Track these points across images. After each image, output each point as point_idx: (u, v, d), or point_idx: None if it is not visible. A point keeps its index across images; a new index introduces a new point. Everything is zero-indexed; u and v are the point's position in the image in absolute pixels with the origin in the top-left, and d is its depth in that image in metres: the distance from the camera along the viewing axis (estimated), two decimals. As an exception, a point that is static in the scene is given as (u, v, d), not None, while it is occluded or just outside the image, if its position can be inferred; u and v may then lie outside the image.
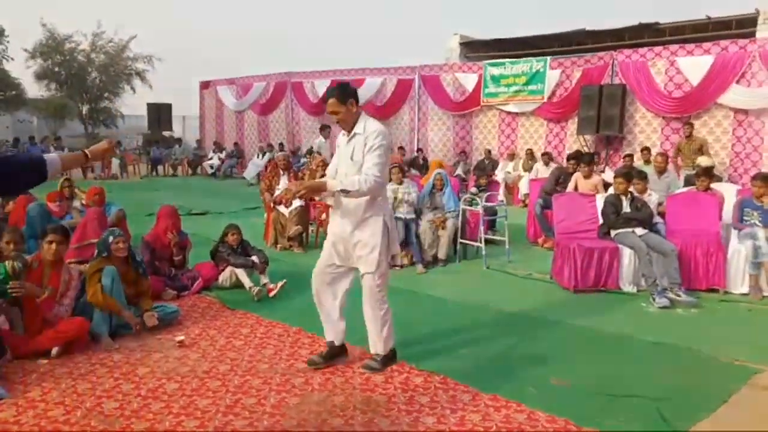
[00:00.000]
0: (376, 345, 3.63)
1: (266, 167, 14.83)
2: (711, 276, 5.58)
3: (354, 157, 3.41)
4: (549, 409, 3.11)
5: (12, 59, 24.99)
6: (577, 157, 8.44)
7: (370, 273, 3.47)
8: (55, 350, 3.72)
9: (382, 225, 3.47)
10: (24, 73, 25.71)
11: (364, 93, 16.51)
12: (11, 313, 3.78)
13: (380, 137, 3.36)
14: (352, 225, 3.48)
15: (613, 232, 5.74)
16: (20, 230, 4.95)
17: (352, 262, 3.57)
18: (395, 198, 6.55)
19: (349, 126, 3.46)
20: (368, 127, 3.41)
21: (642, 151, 10.26)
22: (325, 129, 11.90)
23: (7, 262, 3.78)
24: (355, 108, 3.45)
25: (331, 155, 10.52)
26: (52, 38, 25.16)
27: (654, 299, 5.16)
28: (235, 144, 19.33)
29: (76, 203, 6.47)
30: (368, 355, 3.75)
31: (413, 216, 6.63)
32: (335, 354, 3.73)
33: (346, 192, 3.28)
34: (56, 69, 25.54)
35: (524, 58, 14.13)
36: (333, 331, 3.73)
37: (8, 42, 25.02)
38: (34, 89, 26.10)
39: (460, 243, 6.84)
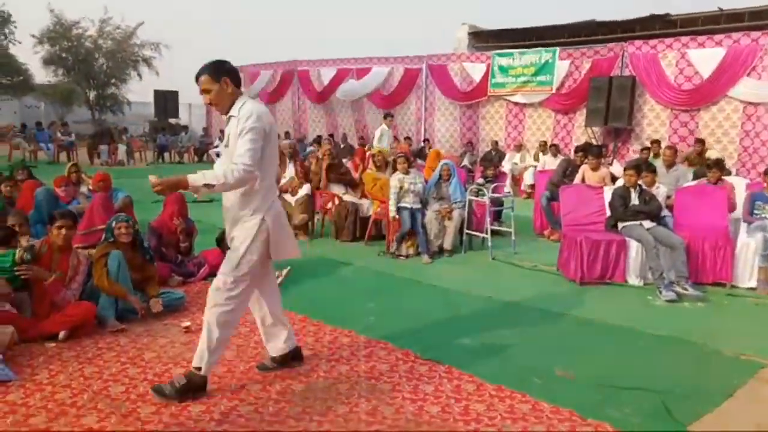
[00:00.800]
0: (200, 357, 3.04)
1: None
2: (718, 270, 5.55)
3: (229, 144, 2.98)
4: (554, 400, 3.11)
5: (20, 43, 25.01)
6: (585, 149, 8.38)
7: (223, 273, 3.00)
8: (62, 334, 3.74)
9: (258, 225, 2.98)
10: (31, 58, 25.83)
11: (370, 82, 16.47)
12: (19, 297, 3.80)
13: (252, 118, 2.88)
14: (230, 223, 3.09)
15: (620, 225, 5.71)
16: (25, 214, 4.99)
17: None
18: (401, 188, 6.53)
19: (224, 108, 3.01)
20: (243, 108, 2.95)
21: (651, 143, 10.20)
22: (387, 117, 11.64)
23: (18, 250, 3.80)
24: (231, 87, 2.98)
25: (391, 145, 10.32)
26: (59, 24, 25.15)
27: (661, 292, 5.14)
28: (242, 132, 19.31)
29: (83, 189, 6.49)
30: (371, 345, 3.74)
31: (419, 206, 6.62)
32: (288, 358, 3.41)
33: (209, 186, 2.81)
34: (63, 55, 25.56)
35: (533, 49, 14.03)
36: (273, 343, 3.37)
37: (15, 27, 25.05)
38: (41, 75, 26.15)
39: (466, 234, 6.83)
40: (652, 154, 9.75)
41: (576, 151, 8.49)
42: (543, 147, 12.60)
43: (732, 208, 6.12)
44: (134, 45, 26.28)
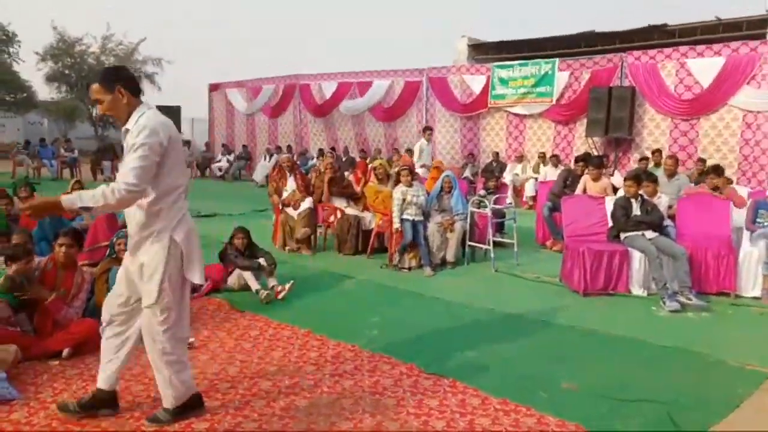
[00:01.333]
0: (165, 397, 2.93)
1: (274, 169, 14.94)
2: (722, 279, 5.54)
3: (125, 159, 2.71)
4: (559, 413, 3.10)
5: (23, 61, 25.25)
6: (585, 159, 8.40)
7: (149, 306, 2.77)
8: (66, 351, 3.74)
9: (167, 245, 2.74)
10: (34, 75, 26.04)
11: (372, 95, 16.56)
12: (19, 317, 3.80)
13: (144, 133, 2.62)
14: (134, 248, 2.83)
15: (622, 235, 5.71)
16: (29, 232, 5.00)
17: (138, 292, 2.86)
18: (404, 200, 6.55)
19: (122, 119, 2.75)
20: (139, 121, 2.69)
21: (653, 153, 10.20)
22: (427, 131, 10.96)
23: (5, 273, 3.78)
24: (127, 97, 2.72)
25: (432, 158, 10.09)
26: (62, 41, 25.40)
27: (664, 303, 5.13)
28: (244, 146, 19.42)
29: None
30: (375, 360, 3.73)
31: (421, 218, 6.62)
32: (101, 401, 2.99)
33: (87, 209, 2.60)
34: (66, 71, 25.79)
35: (532, 60, 14.10)
36: (104, 375, 2.99)
37: (19, 45, 25.29)
38: (44, 92, 26.36)
39: (469, 246, 6.83)
40: (653, 163, 9.77)
41: (576, 161, 8.51)
42: (543, 158, 12.63)
43: (741, 203, 6.13)
44: (136, 61, 26.49)
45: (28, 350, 3.65)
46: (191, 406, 2.98)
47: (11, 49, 25.58)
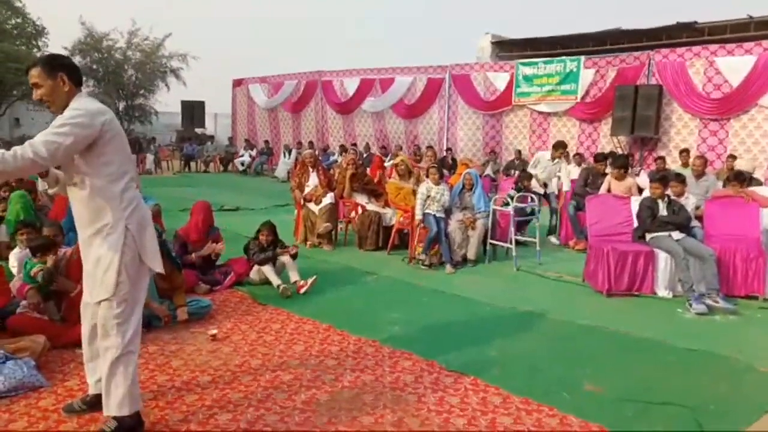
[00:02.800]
0: (108, 404, 2.69)
1: (295, 165, 15.03)
2: (750, 282, 5.41)
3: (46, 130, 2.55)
4: (582, 414, 3.06)
5: (53, 55, 25.69)
6: (606, 156, 8.30)
7: (105, 299, 2.63)
8: (92, 340, 3.80)
9: (122, 235, 2.62)
10: (63, 70, 26.48)
11: (394, 92, 16.55)
12: (47, 306, 3.88)
13: (75, 112, 2.51)
14: (86, 243, 2.70)
15: (648, 236, 5.62)
16: (59, 223, 5.09)
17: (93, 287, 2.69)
18: (428, 196, 6.52)
19: (58, 108, 2.61)
20: (72, 104, 2.58)
21: (680, 153, 10.01)
22: (559, 148, 8.82)
23: (36, 265, 3.86)
24: (68, 85, 2.60)
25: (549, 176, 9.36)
26: (90, 36, 25.82)
27: (691, 305, 5.03)
28: (266, 142, 19.56)
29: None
30: (396, 356, 3.73)
31: (443, 215, 6.60)
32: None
33: None
34: (94, 66, 26.20)
35: (557, 58, 13.95)
36: (93, 377, 2.95)
37: (49, 40, 25.80)
38: (73, 86, 26.80)
39: (490, 244, 6.78)
40: (681, 163, 9.59)
41: (596, 159, 8.41)
42: (566, 156, 12.46)
43: (765, 203, 6.00)
44: (162, 56, 26.82)
45: (56, 339, 3.72)
46: (132, 427, 2.72)
47: (40, 44, 26.12)
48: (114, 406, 2.67)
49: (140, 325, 2.80)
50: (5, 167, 2.36)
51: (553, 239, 7.89)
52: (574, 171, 11.24)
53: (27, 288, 3.76)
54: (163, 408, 3.04)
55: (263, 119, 20.46)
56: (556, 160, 8.52)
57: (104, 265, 2.63)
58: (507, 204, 6.84)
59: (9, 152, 2.38)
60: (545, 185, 8.20)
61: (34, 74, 2.60)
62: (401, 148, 15.54)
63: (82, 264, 2.77)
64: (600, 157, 8.60)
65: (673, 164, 10.26)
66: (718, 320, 4.87)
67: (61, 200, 6.08)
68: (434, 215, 6.47)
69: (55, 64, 2.62)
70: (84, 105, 2.57)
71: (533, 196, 7.33)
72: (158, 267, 2.79)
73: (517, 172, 9.95)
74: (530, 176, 7.70)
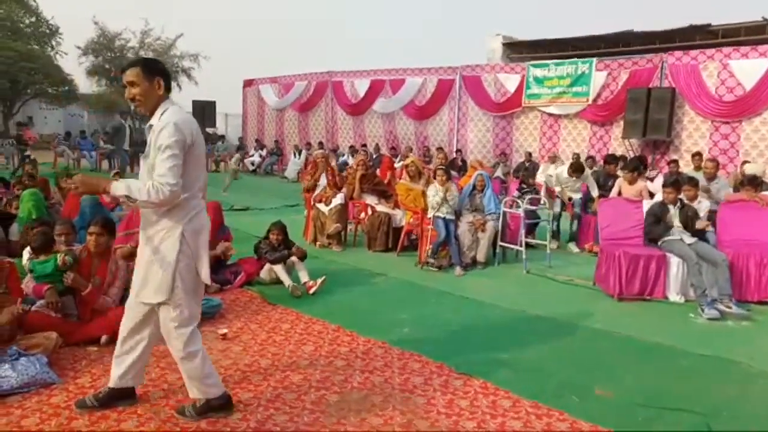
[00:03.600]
0: (192, 389, 2.94)
1: (305, 165, 15.06)
2: (764, 288, 5.36)
3: (149, 154, 2.71)
4: (592, 419, 3.04)
5: (66, 54, 25.99)
6: (617, 159, 8.23)
7: (164, 303, 2.76)
8: (104, 338, 3.83)
9: (179, 241, 2.71)
10: (76, 69, 26.79)
11: (404, 93, 16.55)
12: (65, 301, 3.91)
13: (167, 131, 2.61)
14: (144, 241, 2.81)
15: (660, 240, 5.57)
16: (71, 222, 5.13)
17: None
18: (443, 199, 6.49)
19: (148, 109, 2.76)
20: (163, 117, 2.69)
21: (693, 156, 9.93)
22: (577, 171, 7.98)
23: (58, 255, 3.92)
24: (162, 90, 2.75)
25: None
26: (103, 36, 26.03)
27: (703, 310, 4.99)
28: (276, 142, 19.62)
29: (125, 196, 6.66)
30: (405, 357, 3.73)
31: (453, 217, 6.58)
32: (118, 396, 3.01)
33: (131, 199, 2.58)
34: (107, 66, 26.42)
35: (569, 60, 13.89)
36: (117, 370, 3.00)
37: (62, 39, 26.04)
38: (85, 85, 27.08)
39: (500, 246, 6.76)
40: (693, 167, 9.51)
41: (606, 162, 8.36)
42: (577, 159, 12.40)
43: None
44: (174, 56, 27.00)
45: (68, 336, 3.75)
46: (218, 407, 2.94)
47: (54, 43, 26.37)
48: (196, 392, 2.92)
49: (196, 330, 2.88)
50: (149, 199, 2.56)
51: (572, 246, 7.72)
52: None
53: (46, 287, 3.79)
54: (174, 406, 3.05)
55: (271, 119, 20.52)
56: (574, 178, 7.99)
57: (159, 269, 2.73)
58: (518, 206, 6.81)
59: (151, 187, 2.56)
60: (570, 199, 7.92)
61: (132, 73, 2.71)
62: (411, 150, 15.53)
63: (136, 261, 2.87)
64: (611, 159, 8.55)
65: (685, 167, 10.18)
66: (730, 326, 4.82)
67: (72, 198, 6.13)
68: (444, 218, 6.46)
69: (154, 68, 2.76)
70: (169, 119, 2.66)
71: (543, 198, 7.30)
72: (206, 276, 2.83)
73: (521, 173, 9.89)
74: (534, 174, 7.64)
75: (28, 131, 16.56)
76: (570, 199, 7.83)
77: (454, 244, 6.41)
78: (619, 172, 8.07)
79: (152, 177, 2.62)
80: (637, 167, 7.62)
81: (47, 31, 26.30)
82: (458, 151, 15.18)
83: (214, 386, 2.94)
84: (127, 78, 2.73)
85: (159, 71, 2.76)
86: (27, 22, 26.15)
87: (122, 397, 3.02)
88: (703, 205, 6.04)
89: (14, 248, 5.51)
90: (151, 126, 2.72)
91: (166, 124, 2.64)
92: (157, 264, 2.73)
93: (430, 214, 6.53)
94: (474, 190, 6.84)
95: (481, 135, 15.42)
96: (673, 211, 5.60)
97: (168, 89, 2.79)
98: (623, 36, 15.36)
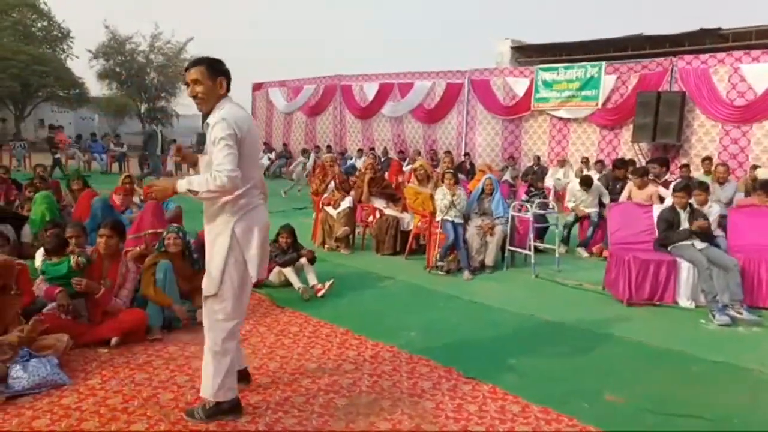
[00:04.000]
0: (206, 387, 2.94)
1: (314, 169, 15.07)
2: (776, 294, 5.31)
3: (207, 150, 2.83)
4: (603, 425, 3.03)
5: (77, 58, 26.22)
6: (625, 163, 8.17)
7: (209, 296, 2.86)
8: (114, 340, 3.86)
9: (229, 237, 2.80)
10: (87, 72, 27.07)
11: (413, 97, 16.56)
12: (76, 303, 3.94)
13: (219, 126, 2.71)
14: (206, 235, 2.94)
15: (670, 245, 5.54)
16: (83, 224, 5.18)
17: None
18: (451, 203, 6.48)
19: (208, 107, 2.85)
20: (218, 114, 2.78)
21: (703, 161, 9.86)
22: (583, 185, 7.84)
23: (72, 257, 3.95)
24: (224, 90, 2.86)
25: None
26: (114, 39, 26.24)
27: (714, 316, 4.95)
28: (284, 145, 19.68)
29: (135, 198, 6.72)
30: (413, 361, 3.72)
31: (461, 221, 6.57)
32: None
33: (193, 193, 2.68)
34: (117, 69, 26.63)
35: (578, 63, 13.85)
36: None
37: (73, 42, 26.27)
38: (96, 88, 27.31)
39: (508, 250, 6.74)
40: (702, 171, 9.45)
41: (614, 166, 8.31)
42: (586, 163, 12.36)
43: None
44: (184, 60, 27.15)
45: (79, 337, 3.78)
46: (228, 410, 2.96)
47: (65, 46, 26.63)
48: (210, 390, 2.91)
49: (238, 327, 2.96)
50: (209, 188, 2.65)
51: (581, 251, 7.64)
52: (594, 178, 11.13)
53: (57, 290, 3.82)
54: (183, 409, 3.06)
55: (279, 123, 20.59)
56: (587, 192, 7.74)
57: (212, 262, 2.84)
58: (527, 210, 6.78)
59: (209, 176, 2.65)
60: (588, 216, 7.77)
61: (197, 72, 2.81)
62: (419, 153, 15.53)
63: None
64: (619, 164, 8.51)
65: (695, 172, 10.10)
66: (741, 332, 4.77)
67: (84, 201, 6.19)
68: (452, 221, 6.45)
69: (218, 68, 2.85)
70: (223, 114, 2.75)
71: (551, 203, 7.27)
72: (254, 273, 2.89)
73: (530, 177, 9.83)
74: (542, 177, 7.59)
75: (60, 134, 16.82)
76: (588, 216, 7.68)
77: (463, 247, 6.40)
78: (629, 176, 8.03)
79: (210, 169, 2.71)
80: (646, 173, 7.57)
81: (59, 34, 26.58)
82: (466, 154, 15.14)
83: (230, 390, 2.95)
84: (190, 76, 2.81)
85: (222, 71, 2.85)
86: (39, 25, 26.44)
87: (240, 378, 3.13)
88: (713, 210, 6.00)
89: (26, 250, 5.57)
90: (208, 123, 2.80)
91: (219, 120, 2.73)
92: (212, 259, 2.84)
93: (439, 217, 6.52)
94: (482, 194, 6.83)
95: (490, 139, 15.39)
96: (684, 216, 5.57)
97: (228, 89, 2.88)
98: (633, 40, 15.30)
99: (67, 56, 26.55)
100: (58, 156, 15.43)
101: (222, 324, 2.87)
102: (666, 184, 7.61)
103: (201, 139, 21.75)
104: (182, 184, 2.72)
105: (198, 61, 2.85)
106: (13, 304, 3.44)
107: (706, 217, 5.58)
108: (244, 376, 3.27)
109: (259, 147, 2.72)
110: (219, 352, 2.88)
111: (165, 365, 3.61)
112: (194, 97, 2.84)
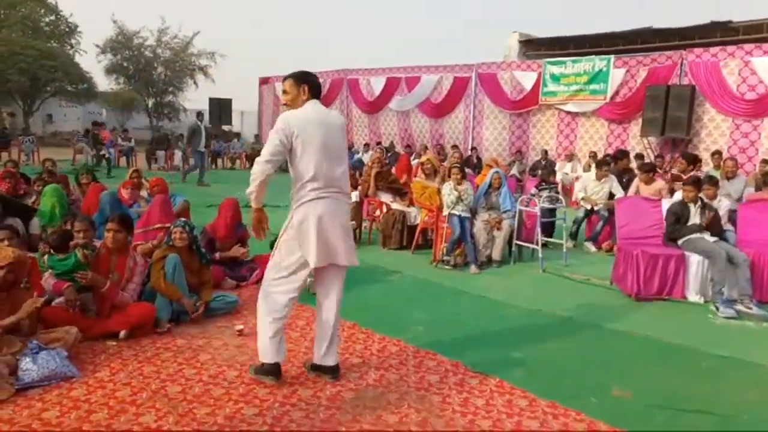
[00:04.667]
0: (258, 347, 3.37)
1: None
2: (786, 289, 5.27)
3: None
4: (611, 420, 3.01)
5: (85, 53, 26.33)
6: (626, 155, 8.13)
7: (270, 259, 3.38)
8: (122, 333, 3.88)
9: (289, 220, 3.27)
10: (94, 67, 27.21)
11: (420, 90, 16.51)
12: (83, 297, 3.96)
13: (277, 123, 3.19)
14: None
15: (680, 240, 5.50)
16: (91, 218, 5.19)
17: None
18: (459, 197, 6.45)
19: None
20: (283, 116, 3.25)
21: (713, 155, 9.79)
22: (602, 166, 7.94)
23: (77, 250, 3.97)
24: (306, 96, 3.26)
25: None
26: (121, 34, 26.29)
27: (718, 309, 4.93)
28: (291, 139, 19.69)
29: (143, 192, 6.74)
30: (420, 355, 3.72)
31: (468, 215, 6.55)
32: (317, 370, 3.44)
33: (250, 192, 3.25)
34: (125, 64, 26.69)
35: (586, 57, 13.76)
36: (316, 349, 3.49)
37: (81, 37, 26.35)
38: (104, 83, 27.40)
39: (516, 244, 6.72)
40: (712, 165, 9.38)
41: (615, 158, 8.27)
42: (594, 157, 12.28)
43: None
44: (191, 54, 27.20)
45: (87, 331, 3.79)
46: (267, 371, 3.31)
47: (73, 41, 26.72)
48: (259, 351, 3.33)
49: (282, 299, 3.28)
50: (251, 178, 3.17)
51: (589, 245, 7.59)
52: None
53: (65, 285, 3.84)
54: (191, 401, 3.08)
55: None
56: (603, 180, 7.69)
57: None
58: (535, 204, 6.75)
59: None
60: (597, 211, 7.73)
61: (288, 82, 3.31)
62: (426, 147, 15.50)
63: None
64: (620, 155, 8.48)
65: (705, 166, 10.02)
66: (751, 327, 4.74)
67: (92, 194, 6.21)
68: (459, 216, 6.43)
69: (302, 79, 3.29)
70: (290, 113, 3.22)
71: (560, 197, 7.24)
72: (312, 260, 3.21)
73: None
74: (553, 171, 7.56)
75: (104, 131, 17.04)
76: (597, 211, 7.59)
77: (470, 242, 6.38)
78: (636, 171, 7.99)
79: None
80: (653, 168, 7.53)
81: (66, 29, 26.68)
82: (473, 148, 15.11)
83: (268, 354, 3.29)
84: (284, 87, 3.33)
85: (306, 81, 3.28)
86: (47, 20, 26.54)
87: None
88: (723, 204, 5.96)
89: (35, 241, 5.58)
90: None
91: (279, 119, 3.19)
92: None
93: (445, 212, 6.51)
94: (490, 188, 6.81)
95: (497, 133, 15.34)
96: (694, 210, 5.53)
97: (314, 95, 3.29)
98: (642, 33, 15.17)
99: (75, 51, 26.66)
100: (102, 153, 15.54)
101: (266, 288, 3.29)
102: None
103: (207, 133, 21.78)
104: (249, 197, 3.26)
105: (288, 75, 3.32)
106: (24, 297, 3.46)
107: (717, 213, 5.55)
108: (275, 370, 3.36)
109: (327, 146, 3.22)
110: (262, 315, 3.27)
111: (173, 358, 3.63)
112: (285, 104, 3.33)
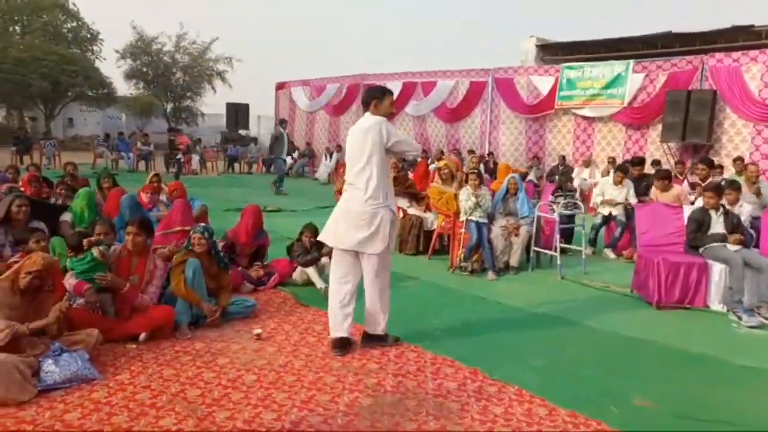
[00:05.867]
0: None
1: (337, 168, 15.13)
2: (811, 298, 5.15)
3: None
4: (632, 430, 2.97)
5: (105, 59, 26.74)
6: (642, 161, 8.05)
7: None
8: (143, 336, 3.91)
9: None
10: (114, 72, 27.62)
11: (436, 95, 16.50)
12: (103, 298, 4.00)
13: None
14: None
15: (701, 248, 5.41)
16: (111, 220, 5.25)
17: None
18: (476, 203, 6.40)
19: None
20: None
21: (734, 161, 9.63)
22: (619, 171, 7.95)
23: (93, 249, 4.01)
24: (375, 110, 3.99)
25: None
26: (141, 40, 26.65)
27: (740, 318, 4.84)
28: (307, 144, 19.78)
29: (162, 197, 6.81)
30: (438, 362, 3.71)
31: (485, 221, 6.51)
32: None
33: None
34: (144, 69, 27.04)
35: (604, 61, 13.65)
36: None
37: (102, 43, 26.76)
38: (123, 88, 27.79)
39: (534, 251, 6.67)
40: (734, 171, 9.23)
41: (632, 165, 8.18)
42: (612, 163, 12.16)
43: None
44: (209, 60, 27.47)
45: (108, 333, 3.83)
46: (333, 345, 3.91)
47: (94, 47, 27.16)
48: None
49: (341, 284, 3.98)
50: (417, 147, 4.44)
51: (608, 252, 7.51)
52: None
53: (85, 287, 3.88)
54: (210, 405, 3.09)
55: (302, 122, 20.70)
56: (621, 185, 7.57)
57: None
58: (553, 210, 6.69)
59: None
60: (615, 217, 7.63)
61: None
62: (443, 153, 15.46)
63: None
64: (636, 161, 8.38)
65: (726, 172, 9.86)
66: (775, 337, 4.65)
67: (113, 197, 6.29)
68: (476, 221, 6.39)
69: (374, 95, 3.93)
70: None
71: (578, 202, 7.17)
72: (321, 237, 4.10)
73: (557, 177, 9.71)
74: (570, 177, 7.48)
75: (180, 136, 17.32)
76: (615, 217, 7.50)
77: (487, 248, 6.34)
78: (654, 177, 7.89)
79: None
80: (668, 175, 7.43)
81: (88, 35, 27.14)
82: (490, 153, 15.04)
83: (332, 328, 3.95)
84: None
85: (375, 97, 3.91)
86: (68, 26, 27.01)
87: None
88: (744, 210, 5.86)
89: (65, 230, 5.60)
90: None
91: None
92: None
93: (463, 217, 6.48)
94: (507, 194, 6.76)
95: (514, 138, 15.26)
96: (716, 218, 5.44)
97: (365, 108, 3.96)
98: (662, 37, 15.01)
99: (96, 57, 27.08)
100: (179, 157, 15.73)
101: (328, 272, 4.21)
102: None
103: (225, 139, 21.99)
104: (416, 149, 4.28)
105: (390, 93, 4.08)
106: (48, 299, 3.50)
107: (739, 221, 5.45)
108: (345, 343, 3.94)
109: (353, 152, 3.88)
110: (325, 294, 4.23)
111: (192, 362, 3.65)
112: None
